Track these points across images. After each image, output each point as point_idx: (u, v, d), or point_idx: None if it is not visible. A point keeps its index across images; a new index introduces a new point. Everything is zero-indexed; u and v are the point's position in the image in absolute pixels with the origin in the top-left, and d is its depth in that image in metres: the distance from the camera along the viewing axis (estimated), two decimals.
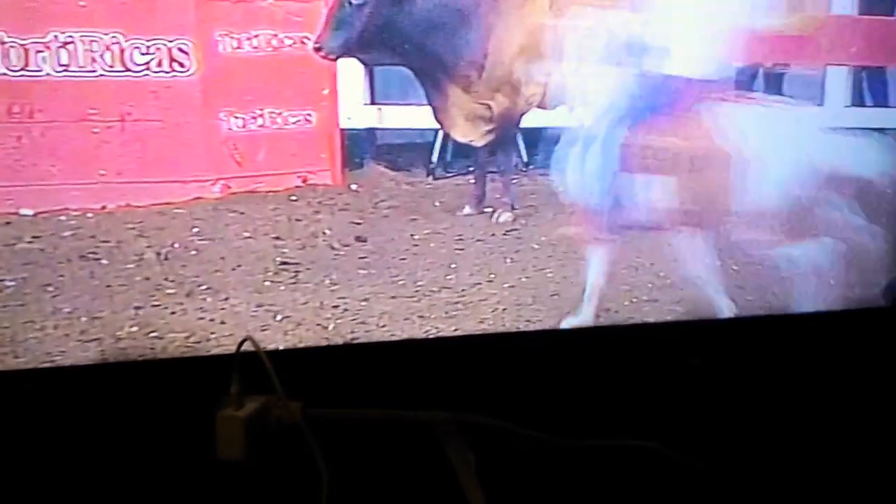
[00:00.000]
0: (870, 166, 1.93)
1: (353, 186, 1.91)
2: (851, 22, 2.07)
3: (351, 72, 1.94)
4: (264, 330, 1.74)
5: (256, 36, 1.84)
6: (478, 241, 1.89)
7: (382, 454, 1.57)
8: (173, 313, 1.71)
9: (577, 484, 1.64)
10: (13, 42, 1.66)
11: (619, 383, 1.83)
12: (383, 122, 2.02)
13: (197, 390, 1.47)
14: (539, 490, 1.63)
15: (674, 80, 1.82)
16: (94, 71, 1.71)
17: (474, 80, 1.93)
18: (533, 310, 1.87)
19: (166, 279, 1.72)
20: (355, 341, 1.77)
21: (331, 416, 1.45)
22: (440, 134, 2.05)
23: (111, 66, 1.72)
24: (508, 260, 1.88)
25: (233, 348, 1.43)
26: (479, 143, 1.98)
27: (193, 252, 1.74)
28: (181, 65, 1.76)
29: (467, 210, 1.97)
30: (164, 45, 1.75)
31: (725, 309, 1.92)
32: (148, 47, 1.74)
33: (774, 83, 2.12)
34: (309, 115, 1.92)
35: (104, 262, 1.70)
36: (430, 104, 1.94)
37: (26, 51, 1.67)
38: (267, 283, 1.77)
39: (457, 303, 1.84)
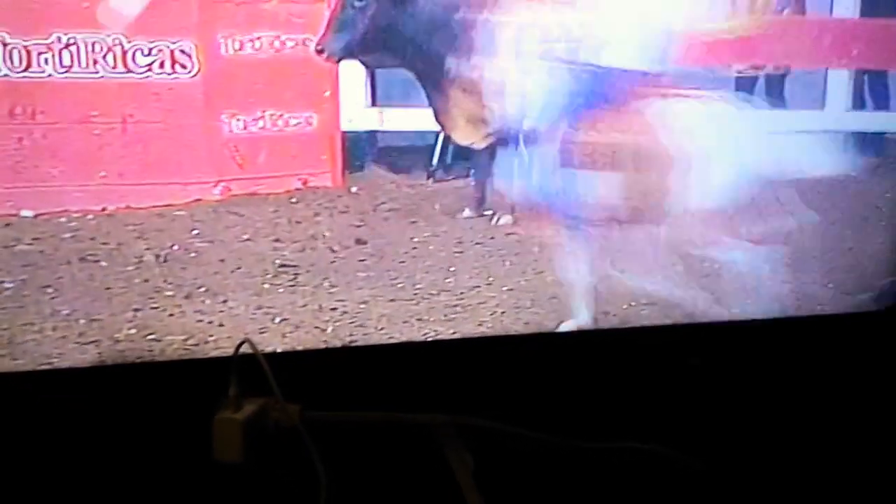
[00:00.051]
0: (818, 166, 1.93)
1: (354, 189, 1.91)
2: (838, 24, 2.08)
3: (352, 74, 1.94)
4: (263, 332, 1.74)
5: (259, 38, 1.84)
6: (477, 244, 1.89)
7: (381, 457, 1.57)
8: (172, 315, 1.71)
9: (576, 486, 1.64)
10: (16, 43, 1.66)
11: (618, 385, 1.83)
12: (384, 125, 2.02)
13: (195, 393, 1.48)
14: (538, 492, 1.63)
15: (612, 73, 1.82)
16: (96, 72, 1.71)
17: (476, 82, 1.93)
18: (532, 313, 1.87)
19: (165, 281, 1.72)
20: (354, 344, 1.77)
21: (329, 419, 1.45)
22: (441, 136, 2.05)
23: (113, 68, 1.72)
24: (508, 263, 1.88)
25: (231, 351, 1.43)
26: (481, 145, 1.98)
27: (193, 254, 1.74)
28: (183, 66, 1.76)
29: (467, 213, 1.97)
30: (167, 46, 1.75)
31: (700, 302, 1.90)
32: (150, 49, 1.74)
33: (775, 87, 2.11)
34: (310, 117, 1.92)
35: (103, 263, 1.70)
36: (431, 106, 1.94)
37: (29, 52, 1.67)
38: (266, 286, 1.77)
39: (456, 305, 1.83)
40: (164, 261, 1.72)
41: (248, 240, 1.75)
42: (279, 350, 1.73)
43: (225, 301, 1.74)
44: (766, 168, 1.89)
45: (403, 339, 1.79)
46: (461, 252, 1.88)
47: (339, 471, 1.37)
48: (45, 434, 1.58)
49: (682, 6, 1.90)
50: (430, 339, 1.81)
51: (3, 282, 1.64)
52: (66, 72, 1.71)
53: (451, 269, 1.84)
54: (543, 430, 1.51)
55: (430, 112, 1.97)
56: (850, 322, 2.04)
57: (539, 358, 1.84)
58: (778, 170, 1.90)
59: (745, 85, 2.10)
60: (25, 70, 1.67)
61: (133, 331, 1.69)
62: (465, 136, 1.98)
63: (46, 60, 1.69)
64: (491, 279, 1.87)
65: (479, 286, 1.86)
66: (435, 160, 2.10)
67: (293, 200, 1.85)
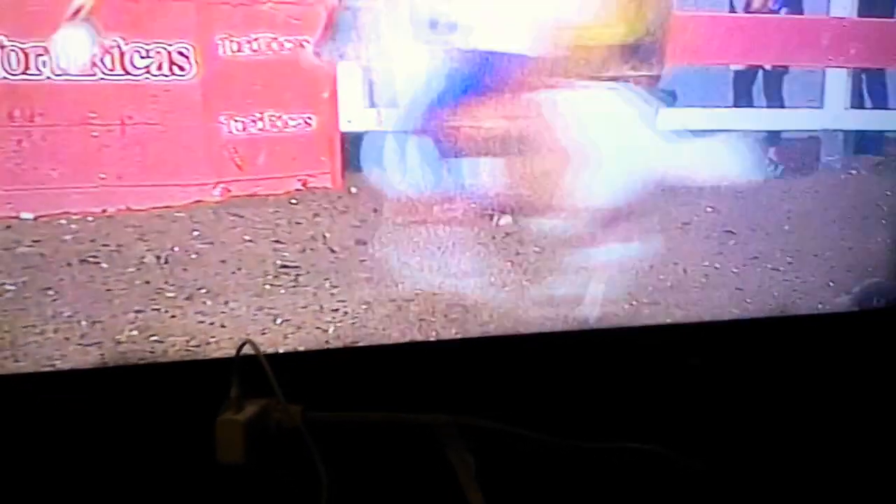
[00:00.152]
0: (720, 169, 1.93)
1: (353, 190, 1.91)
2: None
3: (350, 75, 1.94)
4: (264, 333, 1.74)
5: (256, 39, 1.83)
6: (479, 244, 1.88)
7: (382, 457, 1.58)
8: (173, 317, 1.71)
9: (577, 486, 1.64)
10: (13, 46, 1.65)
11: (618, 385, 1.84)
12: (383, 125, 2.02)
13: (197, 394, 1.48)
14: (539, 492, 1.63)
15: (495, 58, 1.78)
16: (93, 75, 1.70)
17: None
18: (532, 313, 1.87)
19: (166, 283, 1.72)
20: (355, 344, 1.77)
21: (331, 420, 1.46)
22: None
23: (111, 70, 1.71)
24: (509, 263, 1.88)
25: (233, 352, 1.43)
26: None
27: (193, 255, 1.74)
28: (181, 68, 1.76)
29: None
30: (165, 48, 1.75)
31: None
32: (148, 51, 1.73)
33: (774, 84, 2.11)
34: (309, 118, 1.92)
35: (104, 265, 1.70)
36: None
37: (27, 55, 1.66)
38: (267, 287, 1.77)
39: (457, 305, 1.84)
40: (165, 262, 1.72)
41: (248, 241, 1.75)
42: (281, 351, 1.73)
43: (226, 302, 1.74)
44: (662, 169, 1.88)
45: (405, 339, 1.79)
46: (462, 252, 1.87)
47: (340, 471, 1.38)
48: (49, 436, 1.58)
49: None
50: (431, 340, 1.81)
51: (3, 284, 1.64)
52: (63, 74, 1.71)
53: (452, 269, 1.84)
54: (544, 431, 1.51)
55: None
56: (852, 321, 2.05)
57: (539, 358, 1.84)
58: (679, 172, 1.89)
59: (743, 83, 2.10)
60: (23, 72, 1.67)
61: (135, 332, 1.69)
62: None
63: (44, 63, 1.69)
64: (492, 279, 1.87)
65: (480, 286, 1.86)
66: None
67: (293, 201, 1.85)
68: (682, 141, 1.94)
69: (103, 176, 1.73)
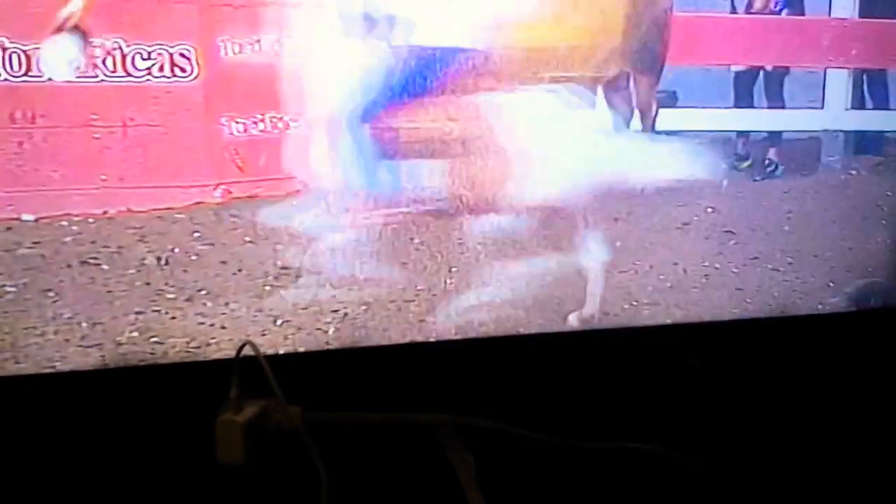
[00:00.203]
0: (668, 172, 1.92)
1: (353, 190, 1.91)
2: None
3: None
4: (264, 335, 1.74)
5: (258, 41, 1.83)
6: (479, 244, 1.89)
7: (382, 458, 1.58)
8: (174, 318, 1.72)
9: (577, 486, 1.64)
10: (15, 48, 1.66)
11: (618, 385, 1.84)
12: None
13: (197, 395, 1.48)
14: (539, 492, 1.63)
15: (430, 56, 1.76)
16: (95, 76, 1.71)
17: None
18: (533, 313, 1.87)
19: (167, 284, 1.72)
20: (355, 345, 1.78)
21: (330, 420, 1.46)
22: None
23: (113, 72, 1.71)
24: (509, 264, 1.88)
25: (233, 353, 1.43)
26: None
27: (194, 257, 1.74)
28: (183, 70, 1.76)
29: (467, 214, 1.97)
30: (166, 50, 1.75)
31: None
32: (149, 53, 1.74)
33: (775, 85, 2.12)
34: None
35: (105, 267, 1.70)
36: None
37: (28, 57, 1.67)
38: (267, 288, 1.77)
39: (457, 306, 1.84)
40: (166, 263, 1.72)
41: (249, 242, 1.75)
42: (280, 352, 1.73)
43: (226, 303, 1.74)
44: (604, 172, 1.87)
45: (405, 340, 1.79)
46: (463, 253, 1.87)
47: (340, 472, 1.38)
48: (49, 437, 1.59)
49: None
50: (431, 340, 1.81)
51: (4, 285, 1.65)
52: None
53: (453, 269, 1.84)
54: (544, 431, 1.51)
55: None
56: (851, 321, 2.04)
57: (539, 358, 1.84)
58: (627, 173, 1.88)
59: (744, 84, 2.10)
60: (25, 74, 1.67)
61: (135, 334, 1.69)
62: None
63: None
64: (492, 280, 1.87)
65: (480, 287, 1.86)
66: None
67: (294, 203, 1.85)
68: (629, 141, 1.92)
69: (104, 177, 1.73)
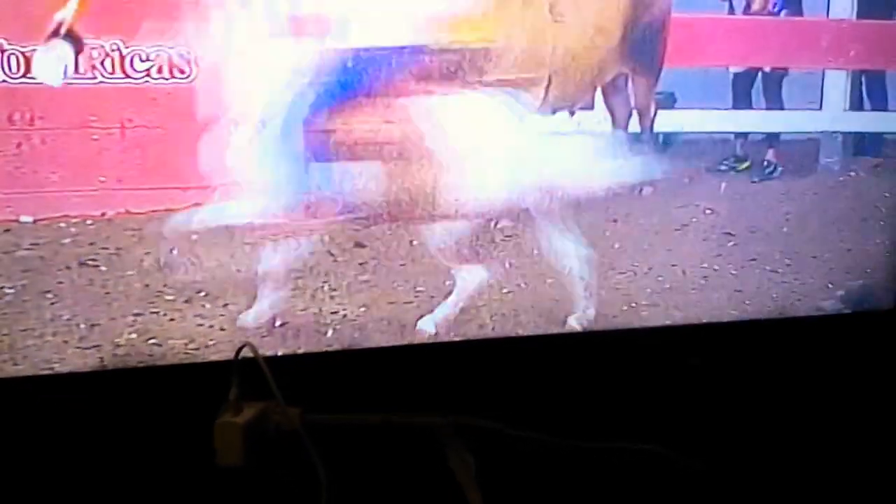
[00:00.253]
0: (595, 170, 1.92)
1: None
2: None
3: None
4: (264, 336, 1.74)
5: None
6: (479, 245, 1.89)
7: (382, 459, 1.58)
8: (172, 320, 1.71)
9: (577, 486, 1.64)
10: (14, 50, 1.65)
11: (618, 385, 1.84)
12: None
13: (196, 397, 1.48)
14: (539, 493, 1.63)
15: (367, 57, 1.73)
16: (94, 78, 1.71)
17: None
18: (532, 315, 1.87)
19: (165, 286, 1.72)
20: (354, 347, 1.77)
21: (330, 422, 1.45)
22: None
23: (111, 73, 1.71)
24: (508, 265, 1.88)
25: (232, 355, 1.43)
26: None
27: (193, 258, 1.74)
28: (182, 71, 1.76)
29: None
30: (165, 51, 1.75)
31: None
32: (148, 54, 1.73)
33: (773, 86, 2.12)
34: None
35: (103, 268, 1.70)
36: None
37: (27, 58, 1.66)
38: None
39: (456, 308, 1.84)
40: (165, 265, 1.72)
41: (247, 243, 1.75)
42: (279, 353, 1.73)
43: (226, 305, 1.74)
44: (544, 176, 1.86)
45: (404, 342, 1.79)
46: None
47: (340, 473, 1.37)
48: (48, 439, 1.58)
49: None
50: (430, 342, 1.81)
51: (2, 287, 1.64)
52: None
53: (452, 271, 1.84)
54: (544, 431, 1.51)
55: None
56: (850, 322, 2.05)
57: (539, 358, 1.84)
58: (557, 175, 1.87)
59: (742, 85, 2.11)
60: (23, 76, 1.67)
61: (134, 335, 1.69)
62: None
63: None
64: (491, 281, 1.87)
65: (479, 289, 1.86)
66: None
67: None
68: (560, 143, 1.91)
69: (103, 179, 1.73)
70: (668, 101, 2.03)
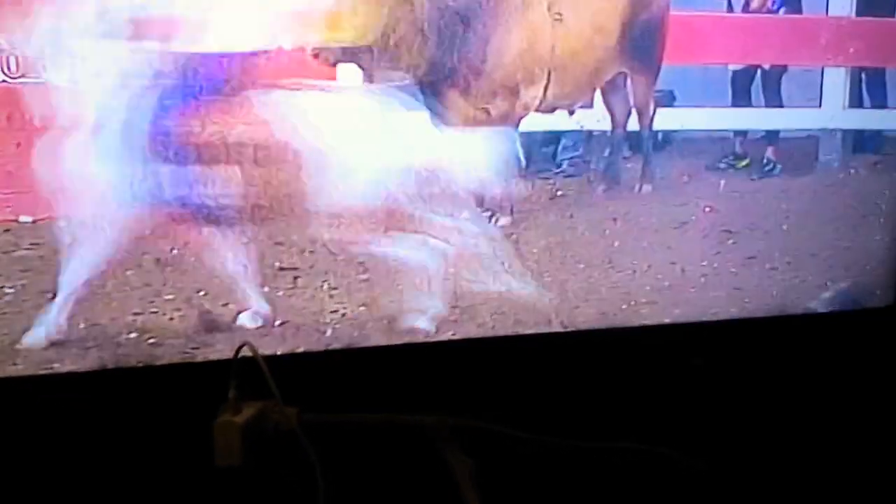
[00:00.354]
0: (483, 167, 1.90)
1: None
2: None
3: (350, 77, 1.94)
4: (263, 336, 1.74)
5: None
6: (476, 244, 1.89)
7: (380, 459, 1.58)
8: (172, 319, 1.71)
9: (576, 487, 1.64)
10: (13, 50, 1.65)
11: (619, 384, 1.84)
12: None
13: (195, 396, 1.48)
14: (538, 494, 1.63)
15: (212, 58, 1.68)
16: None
17: (473, 85, 1.93)
18: (531, 314, 1.88)
19: (165, 285, 1.72)
20: (353, 346, 1.77)
21: (328, 422, 1.46)
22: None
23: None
24: (506, 264, 1.88)
25: (231, 354, 1.43)
26: None
27: (192, 258, 1.74)
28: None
29: (466, 214, 1.97)
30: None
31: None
32: None
33: (773, 84, 2.12)
34: None
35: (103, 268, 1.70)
36: (427, 109, 1.94)
37: (27, 58, 1.66)
38: (266, 289, 1.77)
39: (455, 307, 1.84)
40: (165, 264, 1.72)
41: (247, 242, 1.75)
42: (279, 353, 1.73)
43: (225, 304, 1.74)
44: (420, 166, 1.83)
45: (403, 341, 1.79)
46: (459, 253, 1.87)
47: (338, 473, 1.38)
48: (47, 439, 1.58)
49: None
50: (429, 341, 1.81)
51: (2, 287, 1.65)
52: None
53: (450, 270, 1.84)
54: (543, 431, 1.51)
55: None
56: (851, 319, 2.04)
57: (538, 358, 1.84)
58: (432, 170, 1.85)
59: (741, 82, 2.11)
60: (21, 76, 1.67)
61: (133, 335, 1.69)
62: None
63: (44, 66, 1.69)
64: (489, 280, 1.87)
65: (478, 287, 1.86)
66: None
67: None
68: (432, 139, 1.90)
69: None
70: (668, 100, 2.04)
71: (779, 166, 2.11)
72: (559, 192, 1.99)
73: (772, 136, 2.14)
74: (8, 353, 1.63)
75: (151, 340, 1.70)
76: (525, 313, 1.87)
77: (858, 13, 2.06)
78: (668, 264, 1.96)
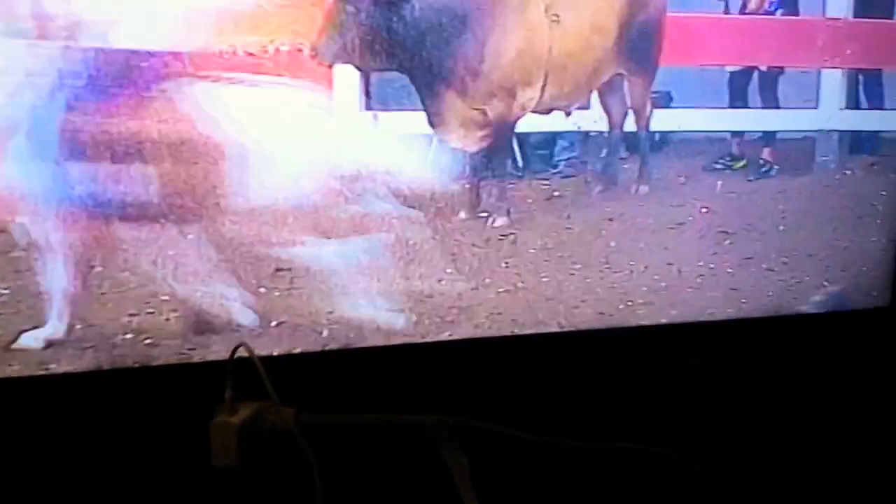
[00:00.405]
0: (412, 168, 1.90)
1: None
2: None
3: (347, 78, 1.94)
4: (259, 336, 1.74)
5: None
6: (473, 245, 1.89)
7: (377, 459, 1.58)
8: (168, 320, 1.71)
9: (574, 487, 1.64)
10: None
11: (618, 384, 1.84)
12: (378, 129, 2.01)
13: (191, 397, 1.48)
14: (535, 493, 1.63)
15: (125, 54, 1.64)
16: None
17: (470, 86, 1.93)
18: (528, 314, 1.88)
19: (161, 286, 1.72)
20: (349, 347, 1.77)
21: (324, 422, 1.45)
22: (434, 140, 2.04)
23: None
24: (503, 264, 1.88)
25: (227, 355, 1.43)
26: (474, 148, 1.97)
27: (190, 258, 1.73)
28: None
29: (462, 215, 1.97)
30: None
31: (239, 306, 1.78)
32: None
33: (769, 85, 2.12)
34: None
35: (99, 269, 1.70)
36: (425, 110, 1.94)
37: None
38: (262, 290, 1.77)
39: (452, 308, 1.83)
40: (161, 266, 1.72)
41: (243, 244, 1.75)
42: (275, 353, 1.73)
43: (222, 304, 1.74)
44: (345, 163, 1.82)
45: (399, 341, 1.79)
46: (457, 254, 1.87)
47: (335, 473, 1.37)
48: (44, 439, 1.58)
49: None
50: (426, 341, 1.81)
51: None
52: None
53: (448, 271, 1.84)
54: (542, 431, 1.51)
55: (423, 115, 1.96)
56: (848, 319, 2.05)
57: (537, 358, 1.84)
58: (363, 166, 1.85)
59: (739, 84, 2.11)
60: None
61: (129, 336, 1.69)
62: (458, 140, 1.98)
63: None
64: (487, 281, 1.87)
65: (475, 288, 1.86)
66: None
67: None
68: (358, 137, 1.90)
69: None
70: (665, 101, 2.04)
71: (775, 167, 2.11)
72: (556, 193, 1.99)
73: (769, 138, 2.15)
74: (4, 354, 1.63)
75: (148, 341, 1.70)
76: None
77: (855, 15, 2.07)
78: (665, 265, 1.96)
